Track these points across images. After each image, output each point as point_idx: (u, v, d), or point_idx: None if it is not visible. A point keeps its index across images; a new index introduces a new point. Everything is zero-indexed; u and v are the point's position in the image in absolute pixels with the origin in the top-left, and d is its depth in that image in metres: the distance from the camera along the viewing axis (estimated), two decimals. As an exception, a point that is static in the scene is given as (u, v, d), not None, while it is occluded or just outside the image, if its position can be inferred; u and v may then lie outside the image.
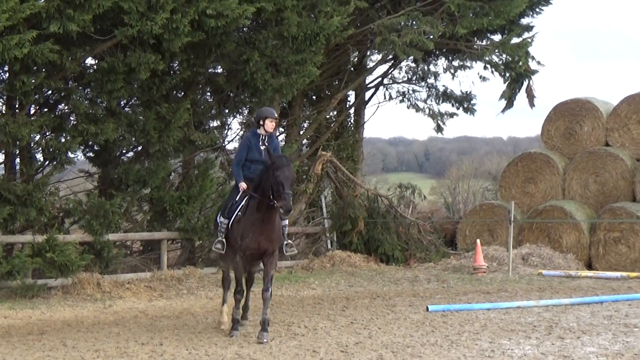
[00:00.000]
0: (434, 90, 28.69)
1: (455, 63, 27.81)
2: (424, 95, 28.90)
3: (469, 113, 28.20)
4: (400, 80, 29.10)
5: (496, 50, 25.71)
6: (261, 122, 13.66)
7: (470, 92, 28.23)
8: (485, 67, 26.81)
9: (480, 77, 27.70)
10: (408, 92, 29.11)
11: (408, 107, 29.21)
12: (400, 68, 28.68)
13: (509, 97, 27.15)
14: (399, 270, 23.53)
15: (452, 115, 28.53)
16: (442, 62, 28.35)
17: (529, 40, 25.84)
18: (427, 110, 28.75)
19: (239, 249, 13.15)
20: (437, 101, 28.63)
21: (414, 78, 28.96)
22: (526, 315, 15.28)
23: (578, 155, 26.73)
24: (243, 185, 13.41)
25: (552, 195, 26.87)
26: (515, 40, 25.68)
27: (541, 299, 17.61)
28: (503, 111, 27.81)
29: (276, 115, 13.89)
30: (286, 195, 12.51)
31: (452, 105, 28.42)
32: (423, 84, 28.92)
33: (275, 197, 12.65)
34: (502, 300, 17.49)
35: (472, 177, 43.71)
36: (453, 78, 28.26)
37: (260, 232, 13.00)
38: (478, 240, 24.23)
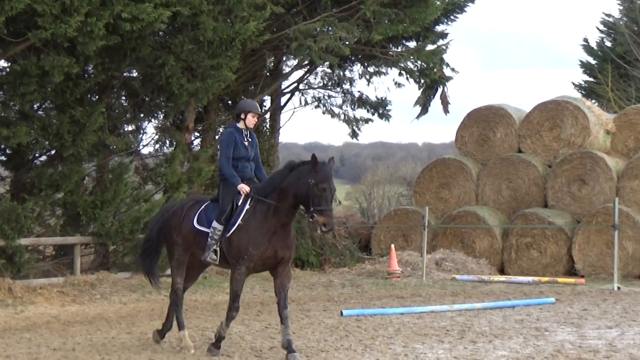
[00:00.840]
0: (349, 96, 28.77)
1: (371, 69, 27.92)
2: (339, 100, 28.94)
3: (384, 119, 28.34)
4: (316, 86, 29.14)
5: (411, 57, 25.91)
6: (242, 116, 12.48)
7: (385, 98, 28.38)
8: (400, 74, 26.99)
9: (396, 83, 27.85)
10: (324, 97, 29.16)
11: (324, 113, 29.26)
12: (316, 73, 28.72)
13: (424, 104, 27.39)
14: (314, 275, 23.59)
15: (367, 121, 28.64)
16: (357, 68, 28.44)
17: (444, 47, 26.13)
18: (342, 116, 28.81)
19: (247, 260, 11.83)
20: (352, 107, 28.72)
21: (330, 84, 29.01)
22: (439, 320, 15.43)
23: (491, 162, 27.07)
24: (245, 188, 12.09)
25: (465, 201, 27.17)
26: (430, 47, 25.93)
27: (454, 303, 17.81)
28: (418, 117, 28.07)
29: (259, 110, 13.00)
30: (330, 213, 11.48)
31: (368, 111, 28.51)
32: (339, 89, 28.98)
33: (314, 210, 11.48)
34: (416, 305, 17.65)
35: (387, 183, 43.88)
36: (368, 84, 28.36)
37: (278, 240, 11.86)
38: (392, 245, 24.41)
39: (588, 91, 46.37)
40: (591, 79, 47.18)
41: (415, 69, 26.49)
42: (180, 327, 12.49)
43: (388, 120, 28.28)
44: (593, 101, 38.14)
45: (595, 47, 47.89)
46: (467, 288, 21.09)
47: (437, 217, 27.03)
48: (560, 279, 22.87)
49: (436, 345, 12.67)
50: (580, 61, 48.57)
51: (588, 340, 12.94)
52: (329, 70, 28.55)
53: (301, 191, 11.63)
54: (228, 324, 12.12)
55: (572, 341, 12.90)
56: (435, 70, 26.16)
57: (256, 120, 12.55)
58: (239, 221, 11.95)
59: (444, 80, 26.87)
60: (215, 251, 12.12)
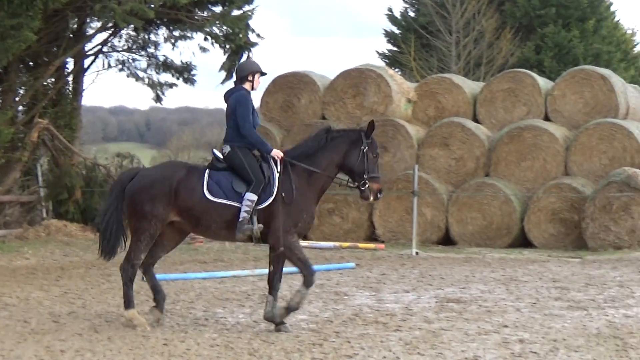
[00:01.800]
0: (154, 59, 28.46)
1: (176, 33, 27.65)
2: (144, 64, 28.59)
3: (189, 83, 28.21)
4: (120, 49, 28.70)
5: (217, 22, 25.83)
6: (250, 78, 11.53)
7: (190, 63, 28.26)
8: (205, 39, 26.87)
9: (201, 48, 27.72)
10: (128, 61, 28.74)
11: (128, 76, 28.87)
12: (121, 36, 28.27)
13: (229, 69, 27.33)
14: (117, 240, 23.29)
15: (171, 85, 28.45)
16: (163, 32, 28.14)
17: (249, 13, 26.15)
18: (146, 80, 28.52)
19: (299, 228, 11.49)
20: (157, 71, 28.43)
21: (134, 47, 28.62)
22: (241, 285, 15.52)
23: (295, 128, 27.24)
24: (279, 153, 11.34)
25: (269, 167, 27.26)
26: (235, 12, 25.90)
27: (257, 268, 17.91)
28: (223, 82, 27.99)
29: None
30: (380, 179, 11.42)
31: (172, 75, 28.31)
32: (143, 53, 28.64)
33: (369, 178, 11.30)
34: (218, 270, 17.69)
35: (193, 148, 43.80)
36: (173, 48, 28.12)
37: (315, 207, 11.68)
38: (197, 211, 24.33)
39: (392, 60, 47.36)
40: (395, 49, 48.19)
41: (221, 34, 26.40)
42: (130, 305, 11.32)
43: (193, 84, 28.19)
44: (396, 70, 38.95)
45: (399, 17, 48.88)
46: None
47: (242, 183, 27.03)
48: (361, 245, 23.31)
49: (237, 309, 12.74)
50: (385, 30, 49.51)
51: (385, 304, 13.26)
52: (133, 33, 28.15)
53: (353, 159, 11.34)
54: (276, 296, 11.51)
55: (370, 305, 13.19)
56: (240, 35, 26.15)
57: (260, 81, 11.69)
58: (275, 190, 11.23)
59: (249, 46, 26.90)
60: (251, 224, 11.18)
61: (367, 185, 11.36)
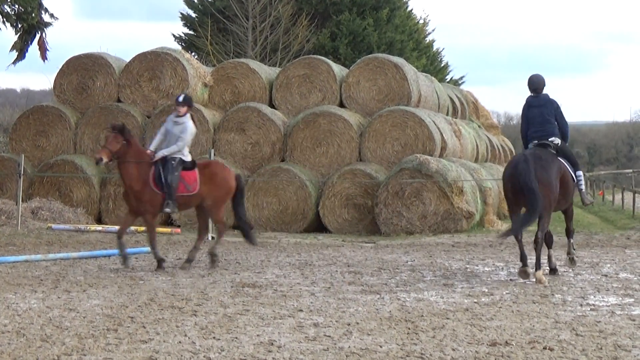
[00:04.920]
0: None
1: (-34, 10, 26.81)
2: None
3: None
4: None
5: (8, 0, 25.11)
6: None
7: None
8: (-3, 17, 26.12)
9: (-8, 26, 26.92)
10: None
11: None
12: None
13: (21, 49, 26.65)
14: None
15: (-40, 64, 27.59)
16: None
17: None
18: None
19: None
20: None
21: None
22: (34, 269, 15.18)
23: (90, 110, 26.82)
24: None
25: (63, 150, 26.77)
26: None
27: (49, 252, 17.56)
28: (15, 63, 27.29)
29: None
30: None
31: (-39, 53, 27.45)
32: None
33: None
34: (10, 254, 17.23)
35: (-18, 129, 42.47)
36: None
37: None
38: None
39: (188, 44, 47.14)
40: (191, 32, 47.95)
41: (13, 12, 25.70)
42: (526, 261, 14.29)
43: (-17, 64, 27.32)
44: (193, 54, 38.84)
45: (196, 1, 48.66)
46: (63, 237, 20.87)
47: (34, 166, 26.47)
48: (157, 229, 23.10)
49: (29, 294, 12.45)
50: (181, 14, 49.18)
51: (181, 289, 13.21)
52: None
53: None
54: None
55: (165, 289, 13.12)
56: (33, 15, 25.52)
57: None
58: None
59: (42, 26, 26.28)
60: None
61: None
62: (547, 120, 14.70)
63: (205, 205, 16.07)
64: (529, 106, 14.93)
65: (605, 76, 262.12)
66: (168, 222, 25.26)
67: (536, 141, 14.68)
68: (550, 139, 14.63)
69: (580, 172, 14.95)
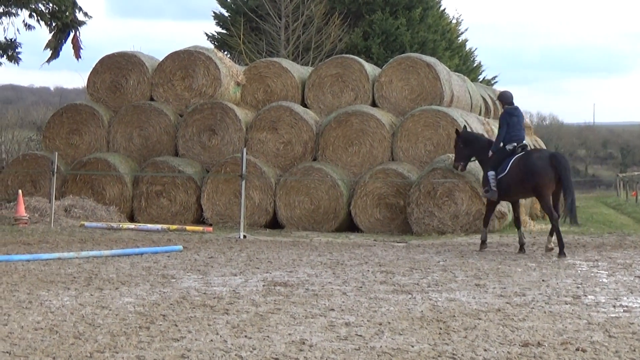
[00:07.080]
0: (-24, 35, 27.67)
1: (0, 9, 26.93)
2: (-34, 40, 27.75)
3: (13, 62, 27.50)
4: None
5: (42, -1, 25.30)
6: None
7: (15, 40, 27.52)
8: (31, 15, 26.26)
9: (26, 25, 27.04)
10: None
11: None
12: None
13: (55, 47, 26.80)
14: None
15: (-5, 63, 27.74)
16: (-14, 8, 27.37)
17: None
18: (-35, 56, 27.68)
19: None
20: (-20, 47, 27.65)
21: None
22: (66, 267, 15.24)
23: (123, 109, 26.95)
24: None
25: (96, 148, 26.92)
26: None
27: (82, 250, 17.63)
28: (48, 61, 27.46)
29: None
30: None
31: (-4, 52, 27.58)
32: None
33: None
34: (43, 252, 17.32)
35: (17, 127, 42.73)
36: (-3, 24, 27.41)
37: None
38: (20, 191, 23.81)
39: (221, 43, 47.25)
40: (224, 31, 48.05)
41: (47, 11, 25.85)
42: None
43: (17, 62, 27.48)
44: (225, 53, 38.92)
45: (229, 0, 48.75)
46: (95, 235, 20.96)
47: (68, 164, 26.62)
48: (188, 227, 23.22)
49: (62, 292, 12.51)
50: (214, 13, 49.30)
51: (213, 287, 13.24)
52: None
53: None
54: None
55: (197, 288, 13.15)
56: (67, 13, 25.65)
57: None
58: None
59: (76, 24, 26.41)
60: None
61: None
62: (522, 127, 18.98)
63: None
64: (510, 115, 18.90)
65: (638, 77, 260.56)
66: (200, 220, 25.34)
67: (515, 143, 18.68)
68: (524, 142, 18.83)
69: None
